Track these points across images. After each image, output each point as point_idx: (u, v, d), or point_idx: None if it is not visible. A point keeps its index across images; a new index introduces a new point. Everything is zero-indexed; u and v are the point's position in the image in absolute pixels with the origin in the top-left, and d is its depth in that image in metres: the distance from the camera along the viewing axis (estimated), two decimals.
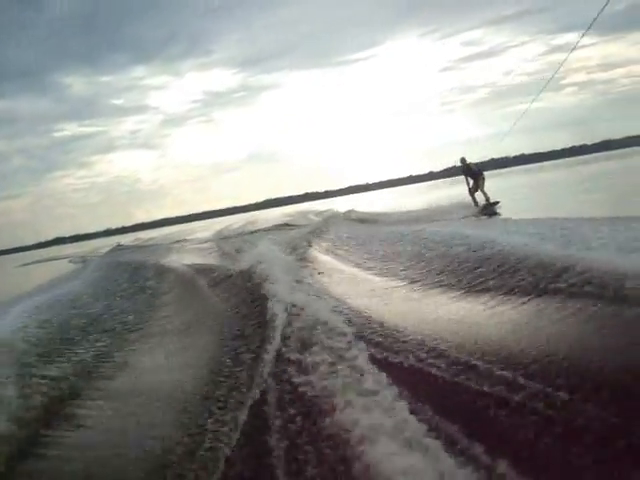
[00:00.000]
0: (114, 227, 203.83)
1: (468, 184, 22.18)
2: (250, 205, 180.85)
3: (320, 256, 12.74)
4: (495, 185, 26.57)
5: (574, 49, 13.57)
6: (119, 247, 37.42)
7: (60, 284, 17.36)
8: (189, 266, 15.49)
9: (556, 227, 9.81)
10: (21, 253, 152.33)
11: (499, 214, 19.56)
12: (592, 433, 3.05)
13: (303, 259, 11.78)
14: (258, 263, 9.82)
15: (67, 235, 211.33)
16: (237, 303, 8.82)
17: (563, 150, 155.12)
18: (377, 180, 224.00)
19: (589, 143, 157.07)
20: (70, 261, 35.65)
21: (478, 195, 22.10)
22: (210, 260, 17.99)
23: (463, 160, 22.51)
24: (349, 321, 6.22)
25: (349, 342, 5.14)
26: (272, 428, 3.72)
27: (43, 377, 5.93)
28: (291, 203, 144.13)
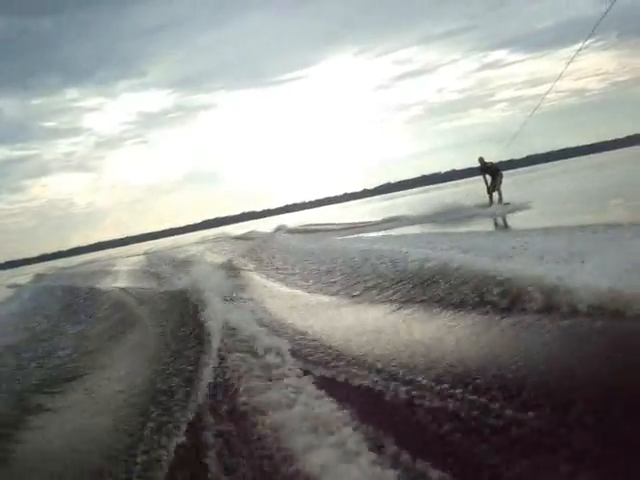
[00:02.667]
0: (50, 252, 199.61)
1: (486, 182, 22.91)
2: (188, 226, 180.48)
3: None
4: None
5: (572, 60, 14.60)
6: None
7: None
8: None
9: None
10: None
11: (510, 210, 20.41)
12: (533, 443, 3.06)
13: None
14: None
15: (1, 261, 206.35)
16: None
17: None
18: (313, 199, 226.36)
19: (517, 158, 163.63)
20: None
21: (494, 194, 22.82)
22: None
23: (481, 160, 22.97)
24: None
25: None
26: (208, 449, 3.78)
27: None
28: (229, 223, 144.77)
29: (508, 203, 21.64)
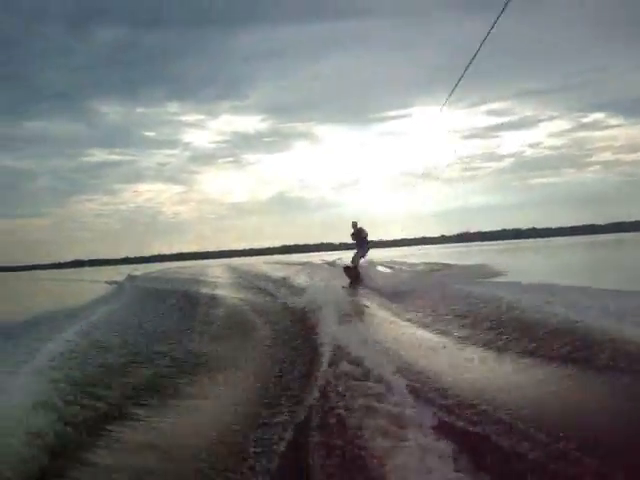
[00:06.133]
0: (132, 256, 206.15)
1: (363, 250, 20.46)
2: (267, 249, 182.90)
3: None
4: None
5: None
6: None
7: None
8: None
9: None
10: (39, 271, 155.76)
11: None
12: None
13: None
14: None
15: (86, 259, 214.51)
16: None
17: (573, 228, 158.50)
18: (390, 238, 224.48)
19: (602, 223, 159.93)
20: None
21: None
22: None
23: (354, 225, 20.62)
24: None
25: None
26: (311, 455, 4.18)
27: (88, 397, 6.29)
28: (306, 251, 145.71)
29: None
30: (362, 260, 20.48)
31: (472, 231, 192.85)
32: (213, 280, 27.70)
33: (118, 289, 27.98)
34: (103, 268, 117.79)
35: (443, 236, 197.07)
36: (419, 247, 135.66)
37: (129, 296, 22.15)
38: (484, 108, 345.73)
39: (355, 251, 20.56)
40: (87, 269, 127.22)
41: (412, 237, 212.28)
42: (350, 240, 20.86)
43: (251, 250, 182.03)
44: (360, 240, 20.47)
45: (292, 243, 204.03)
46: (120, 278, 38.52)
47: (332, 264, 38.84)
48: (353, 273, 19.92)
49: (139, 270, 48.09)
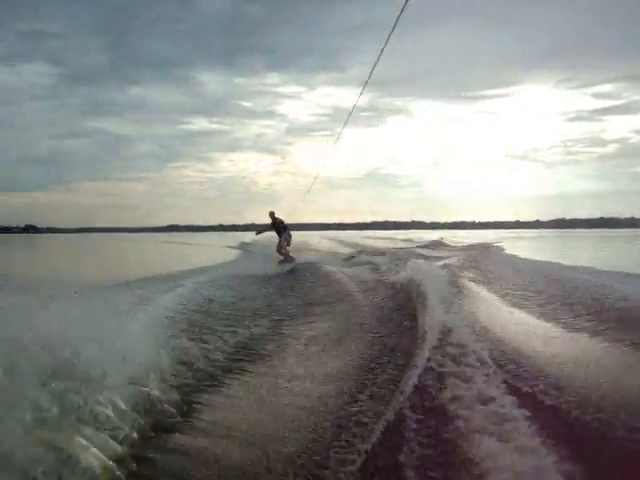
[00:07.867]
0: (226, 224, 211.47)
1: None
2: (357, 224, 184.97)
3: None
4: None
5: None
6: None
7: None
8: None
9: None
10: (137, 234, 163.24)
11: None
12: None
13: None
14: None
15: (181, 224, 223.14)
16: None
17: None
18: (484, 220, 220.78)
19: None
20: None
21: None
22: None
23: (272, 214, 21.19)
24: None
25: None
26: (406, 441, 3.79)
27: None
28: (397, 228, 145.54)
29: (293, 258, 20.73)
30: (289, 248, 21.28)
31: (568, 218, 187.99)
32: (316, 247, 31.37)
33: (245, 252, 30.91)
34: (199, 234, 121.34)
35: (538, 221, 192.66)
36: (513, 231, 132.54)
37: (258, 256, 24.85)
38: (591, 90, 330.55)
39: (278, 240, 21.29)
40: (187, 234, 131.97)
41: (505, 220, 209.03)
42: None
43: (343, 224, 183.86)
44: (279, 229, 21.22)
45: (383, 219, 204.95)
46: (234, 244, 41.09)
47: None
48: (286, 259, 20.56)
49: (241, 238, 51.01)
